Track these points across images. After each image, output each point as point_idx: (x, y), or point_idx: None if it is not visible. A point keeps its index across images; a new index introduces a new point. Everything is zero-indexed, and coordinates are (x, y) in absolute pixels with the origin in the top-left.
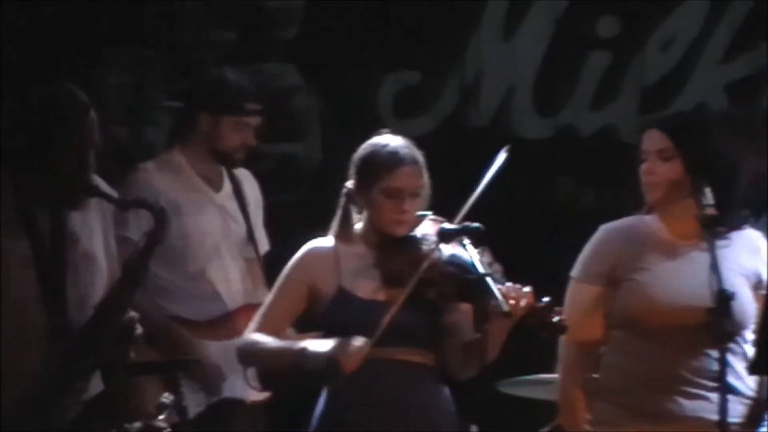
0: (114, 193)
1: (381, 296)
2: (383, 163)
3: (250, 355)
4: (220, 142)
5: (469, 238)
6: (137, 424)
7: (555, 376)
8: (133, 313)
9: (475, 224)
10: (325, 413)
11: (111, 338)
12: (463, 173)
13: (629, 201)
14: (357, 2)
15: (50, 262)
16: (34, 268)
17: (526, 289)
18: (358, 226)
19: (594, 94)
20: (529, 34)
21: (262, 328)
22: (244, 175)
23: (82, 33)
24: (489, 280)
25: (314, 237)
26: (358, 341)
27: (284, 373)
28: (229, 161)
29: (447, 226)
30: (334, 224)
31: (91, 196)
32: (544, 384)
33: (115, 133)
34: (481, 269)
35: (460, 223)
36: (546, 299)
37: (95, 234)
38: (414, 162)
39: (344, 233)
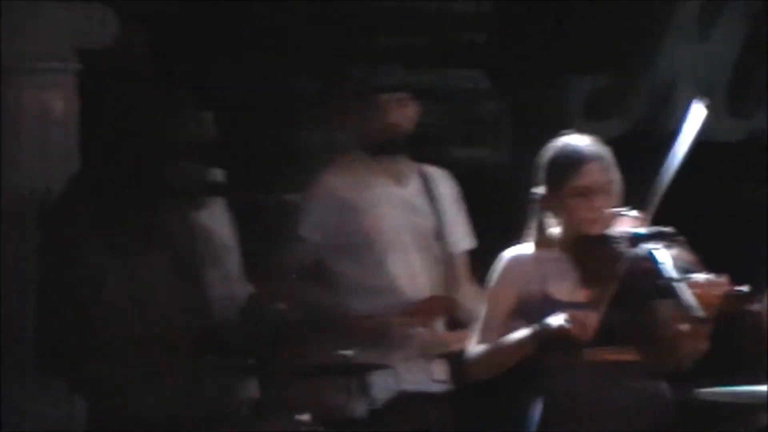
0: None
1: (583, 298)
2: (568, 162)
3: (484, 366)
4: (367, 127)
5: (660, 242)
6: (305, 417)
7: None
8: (282, 306)
9: (666, 228)
10: (542, 418)
11: (266, 334)
12: (655, 177)
13: None
14: (546, 5)
15: (187, 263)
16: (174, 274)
17: (722, 279)
18: (555, 230)
19: None
20: (723, 35)
21: (480, 342)
22: (438, 173)
23: (276, 43)
24: (679, 284)
25: (507, 242)
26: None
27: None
28: (383, 146)
29: (639, 231)
30: (531, 231)
31: (215, 194)
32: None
33: (305, 137)
34: (671, 274)
35: (653, 214)
36: (744, 288)
37: (226, 226)
38: (599, 158)
39: (541, 239)
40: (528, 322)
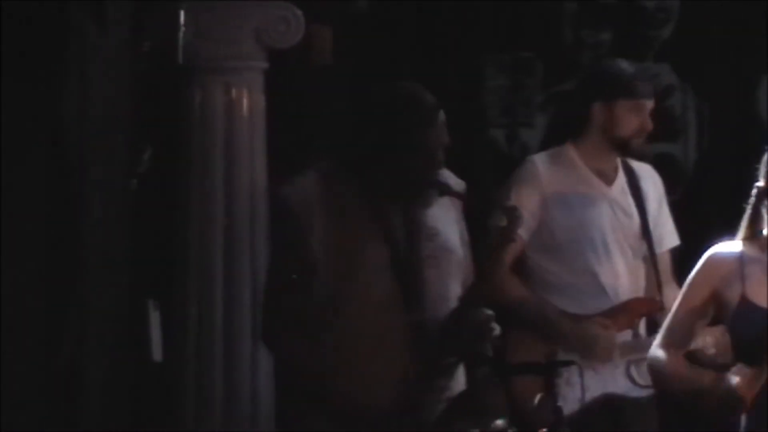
0: (462, 189)
1: None
2: None
3: (656, 374)
4: (617, 129)
5: None
6: (500, 422)
7: None
8: (489, 312)
9: None
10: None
11: (470, 336)
12: None
13: None
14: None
15: (407, 261)
16: (392, 269)
17: None
18: (766, 230)
19: None
20: None
21: (667, 341)
22: (644, 170)
23: (465, 38)
24: None
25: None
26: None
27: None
28: (627, 149)
29: None
30: (743, 227)
31: (442, 194)
32: None
33: (492, 134)
34: None
35: None
36: None
37: (452, 226)
38: None
39: (753, 236)
40: (727, 326)
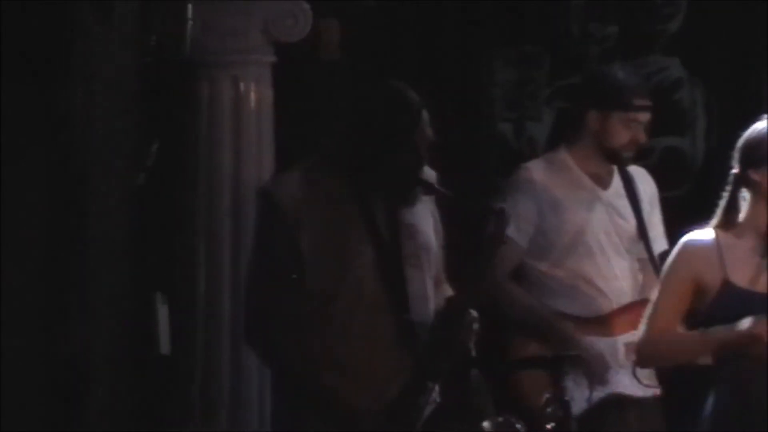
0: (434, 180)
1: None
2: None
3: (652, 358)
4: (608, 139)
5: None
6: (487, 424)
7: None
8: (473, 313)
9: None
10: (714, 412)
11: (459, 338)
12: None
13: None
14: None
15: (391, 260)
16: (378, 267)
17: None
18: (743, 214)
19: None
20: None
21: (651, 331)
22: (638, 172)
23: (472, 33)
24: None
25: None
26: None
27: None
28: (618, 159)
29: None
30: (719, 213)
31: (427, 193)
32: None
33: (500, 129)
34: None
35: None
36: None
37: (428, 221)
38: None
39: (729, 222)
40: (705, 310)
